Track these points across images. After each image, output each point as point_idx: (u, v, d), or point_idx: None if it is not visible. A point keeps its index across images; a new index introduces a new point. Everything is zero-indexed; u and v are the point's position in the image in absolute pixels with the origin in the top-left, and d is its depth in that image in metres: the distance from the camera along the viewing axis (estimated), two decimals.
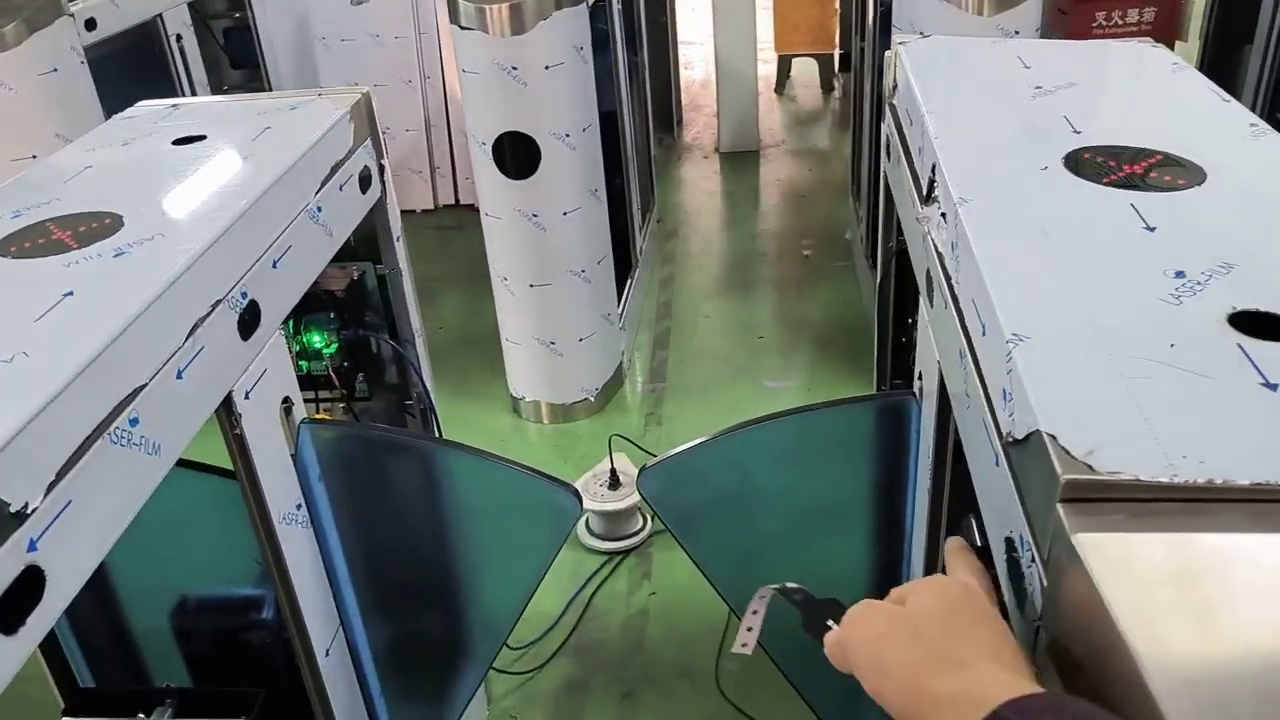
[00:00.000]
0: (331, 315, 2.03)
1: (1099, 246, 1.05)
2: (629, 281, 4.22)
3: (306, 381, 2.08)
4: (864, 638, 0.81)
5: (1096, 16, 4.26)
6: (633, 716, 2.57)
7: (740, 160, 6.24)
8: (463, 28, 3.11)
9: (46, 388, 0.98)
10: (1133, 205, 1.13)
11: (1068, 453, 0.75)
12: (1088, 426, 0.77)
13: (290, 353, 2.03)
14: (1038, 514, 0.78)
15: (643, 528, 3.08)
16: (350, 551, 1.65)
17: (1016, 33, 3.01)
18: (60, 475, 0.98)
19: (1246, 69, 3.61)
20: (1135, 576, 0.67)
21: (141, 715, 1.57)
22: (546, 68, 3.15)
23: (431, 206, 5.68)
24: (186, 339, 1.22)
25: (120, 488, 1.08)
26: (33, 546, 0.94)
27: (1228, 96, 1.46)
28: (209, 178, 1.52)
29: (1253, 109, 2.16)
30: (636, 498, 3.00)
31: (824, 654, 0.86)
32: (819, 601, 0.93)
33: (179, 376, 1.20)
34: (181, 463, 1.61)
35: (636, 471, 2.75)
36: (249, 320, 1.37)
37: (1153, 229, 1.08)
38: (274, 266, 1.46)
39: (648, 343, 4.26)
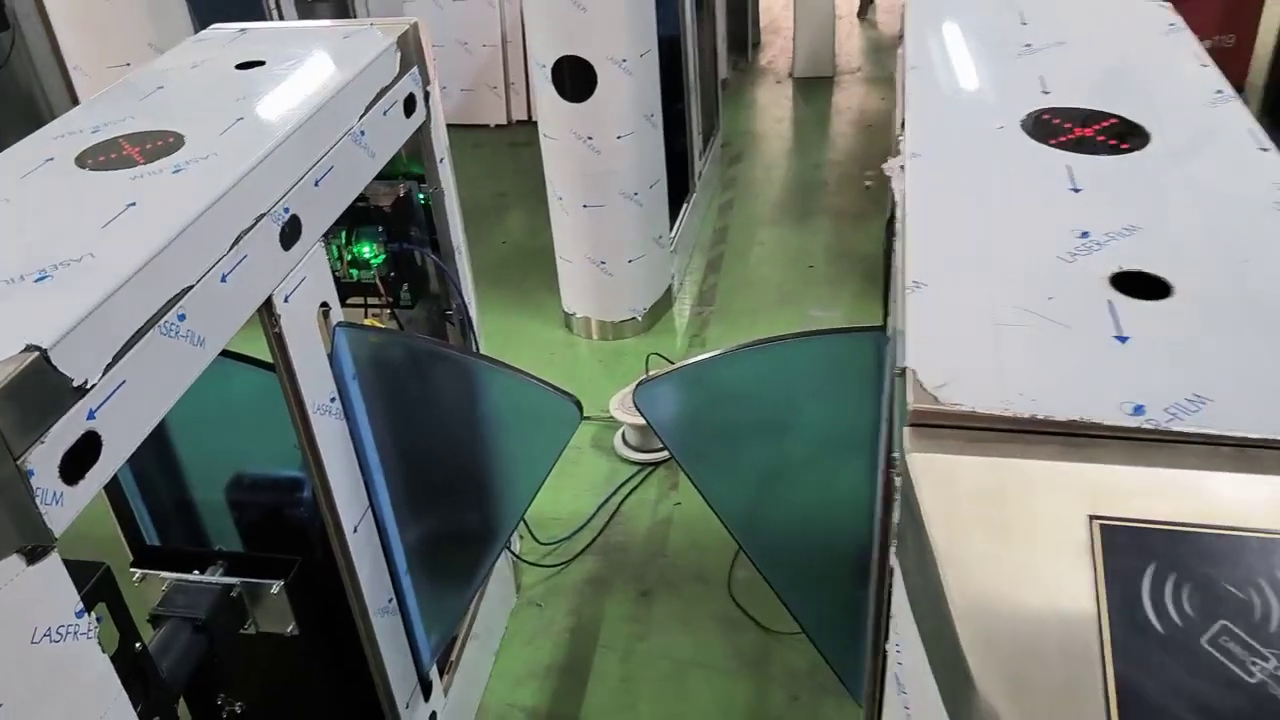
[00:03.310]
0: (380, 229, 2.21)
1: (1021, 206, 1.16)
2: (685, 205, 4.33)
3: (356, 288, 2.28)
4: None
5: None
6: (648, 612, 2.77)
7: (814, 86, 6.23)
8: None
9: (106, 285, 1.17)
10: (1068, 167, 1.23)
11: (922, 385, 0.89)
12: (945, 364, 0.91)
13: (342, 261, 2.24)
14: (898, 436, 0.92)
15: None
16: (380, 442, 1.85)
17: None
18: (116, 359, 1.18)
19: None
20: (951, 491, 0.82)
21: (196, 571, 1.81)
22: None
23: (505, 121, 5.83)
24: (231, 248, 1.40)
25: (168, 372, 1.27)
26: (91, 415, 1.14)
27: (1207, 61, 1.53)
28: (263, 101, 1.69)
29: None
30: None
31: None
32: None
33: (223, 280, 1.38)
34: (240, 357, 1.84)
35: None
36: (290, 233, 1.55)
37: (1078, 190, 1.18)
38: (315, 185, 1.63)
39: (700, 266, 4.38)
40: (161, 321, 1.25)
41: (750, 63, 6.58)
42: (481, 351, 2.38)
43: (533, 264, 4.33)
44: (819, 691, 2.48)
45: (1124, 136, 1.30)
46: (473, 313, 2.36)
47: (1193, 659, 0.71)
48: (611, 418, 3.29)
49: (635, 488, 3.17)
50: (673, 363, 3.56)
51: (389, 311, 2.32)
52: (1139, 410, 0.85)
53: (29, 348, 1.07)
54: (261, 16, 4.26)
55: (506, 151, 5.60)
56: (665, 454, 3.24)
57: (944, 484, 0.82)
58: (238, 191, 1.42)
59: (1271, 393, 0.86)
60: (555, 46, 3.34)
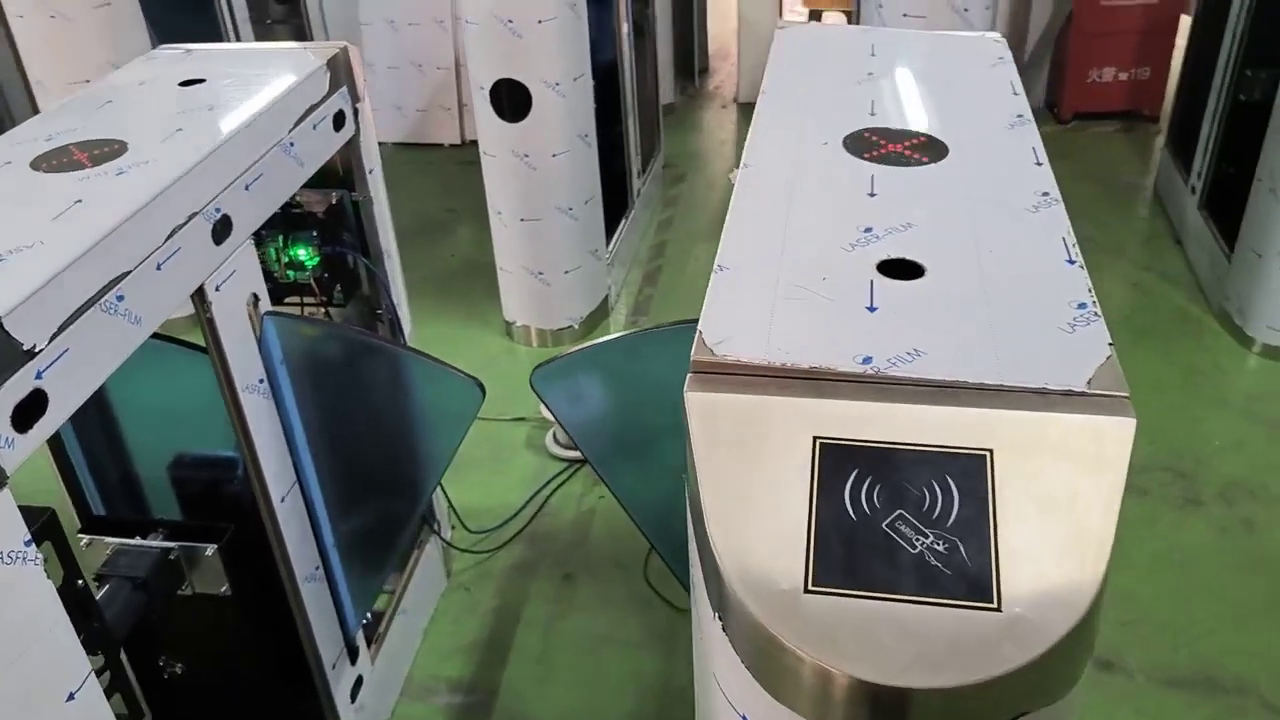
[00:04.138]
0: (314, 233, 2.42)
1: (824, 207, 1.40)
2: (624, 221, 4.57)
3: (293, 288, 2.49)
4: None
5: None
6: (571, 594, 2.99)
7: None
8: None
9: (52, 266, 1.38)
10: (872, 176, 1.47)
11: (704, 342, 1.12)
12: (727, 327, 1.14)
13: (280, 263, 2.45)
14: None
15: None
16: (306, 420, 2.06)
17: (966, 9, 3.27)
18: (61, 329, 1.38)
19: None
20: (713, 422, 1.04)
21: (138, 537, 2.01)
22: (539, 21, 3.48)
23: (459, 141, 6.05)
24: (166, 240, 1.61)
25: (107, 343, 1.48)
26: (39, 376, 1.34)
27: (1020, 90, 1.78)
28: (200, 114, 1.91)
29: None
30: None
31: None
32: None
33: (158, 268, 1.59)
34: (187, 344, 2.04)
35: None
36: (221, 230, 1.77)
37: (874, 195, 1.42)
38: (246, 189, 1.85)
39: (637, 279, 4.62)
40: (102, 300, 1.46)
41: (698, 88, 6.86)
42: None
43: (478, 276, 4.55)
44: None
45: (926, 151, 1.54)
46: (402, 312, 2.57)
47: (874, 536, 0.94)
48: (544, 419, 3.50)
49: (563, 482, 3.38)
50: None
51: (324, 310, 2.53)
52: (867, 360, 1.08)
53: None
54: (219, 38, 4.47)
55: (458, 170, 5.82)
56: None
57: (708, 416, 1.05)
58: (172, 191, 1.63)
59: (969, 347, 1.09)
60: (493, 70, 3.57)
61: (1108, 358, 1.07)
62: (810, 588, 0.91)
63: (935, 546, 0.92)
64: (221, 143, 1.78)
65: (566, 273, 3.97)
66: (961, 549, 0.92)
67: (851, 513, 0.95)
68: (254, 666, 2.19)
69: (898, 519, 0.95)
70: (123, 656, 2.09)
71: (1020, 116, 1.67)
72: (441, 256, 4.91)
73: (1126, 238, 4.81)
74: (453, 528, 3.10)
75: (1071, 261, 1.26)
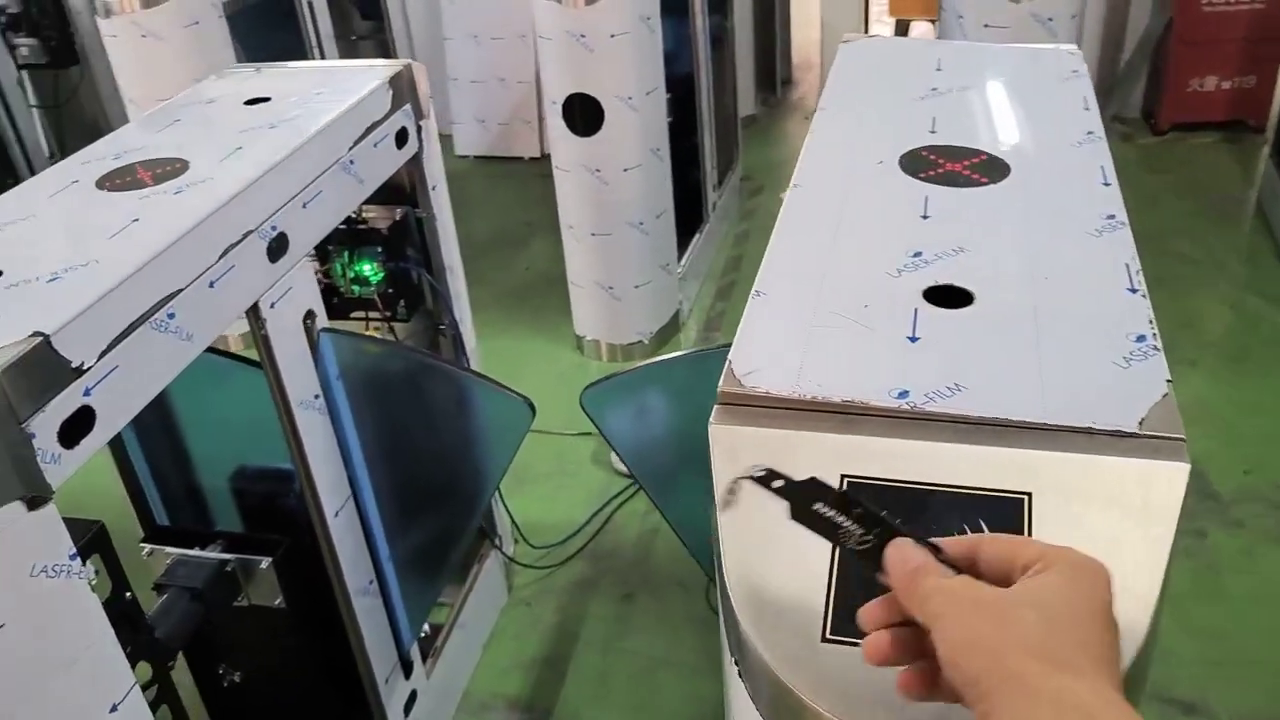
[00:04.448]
0: (379, 249, 2.44)
1: (872, 230, 1.34)
2: (697, 236, 4.54)
3: (358, 303, 2.51)
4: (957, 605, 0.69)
5: None
6: (631, 613, 2.96)
7: None
8: None
9: (104, 285, 1.41)
10: (927, 197, 1.41)
11: (733, 372, 1.08)
12: (758, 357, 1.10)
13: (345, 278, 2.48)
14: None
15: None
16: (364, 436, 2.07)
17: (1050, 19, 3.17)
18: (110, 346, 1.41)
19: None
20: (735, 455, 1.00)
21: (197, 548, 2.04)
22: (612, 36, 3.48)
23: (538, 154, 6.09)
24: (219, 259, 1.63)
25: (157, 360, 1.50)
26: (87, 393, 1.37)
27: (1093, 105, 1.70)
28: (261, 133, 1.93)
29: None
30: None
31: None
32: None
33: (211, 285, 1.62)
34: (250, 361, 2.07)
35: None
36: (276, 248, 1.78)
37: (927, 217, 1.36)
38: (304, 207, 1.86)
39: (711, 293, 4.58)
40: (153, 318, 1.48)
41: (779, 99, 6.79)
42: (476, 364, 2.60)
43: (552, 289, 4.55)
44: None
45: (986, 170, 1.48)
46: (464, 328, 2.58)
47: None
48: None
49: (627, 499, 3.36)
50: None
51: (387, 326, 2.55)
52: (903, 395, 1.03)
53: (35, 334, 1.30)
54: (304, 54, 4.57)
55: (537, 183, 5.83)
56: None
57: (732, 450, 1.01)
58: (227, 210, 1.65)
59: (1014, 381, 1.03)
60: (565, 84, 3.58)
61: (1164, 396, 1.00)
62: (828, 637, 0.87)
63: None
64: (279, 161, 1.80)
65: (637, 287, 3.95)
66: None
67: None
68: (307, 678, 2.21)
69: None
70: (183, 664, 2.14)
71: (1090, 133, 1.59)
72: (517, 269, 4.94)
73: (1227, 256, 4.60)
74: (515, 542, 3.10)
75: (1134, 290, 1.19)
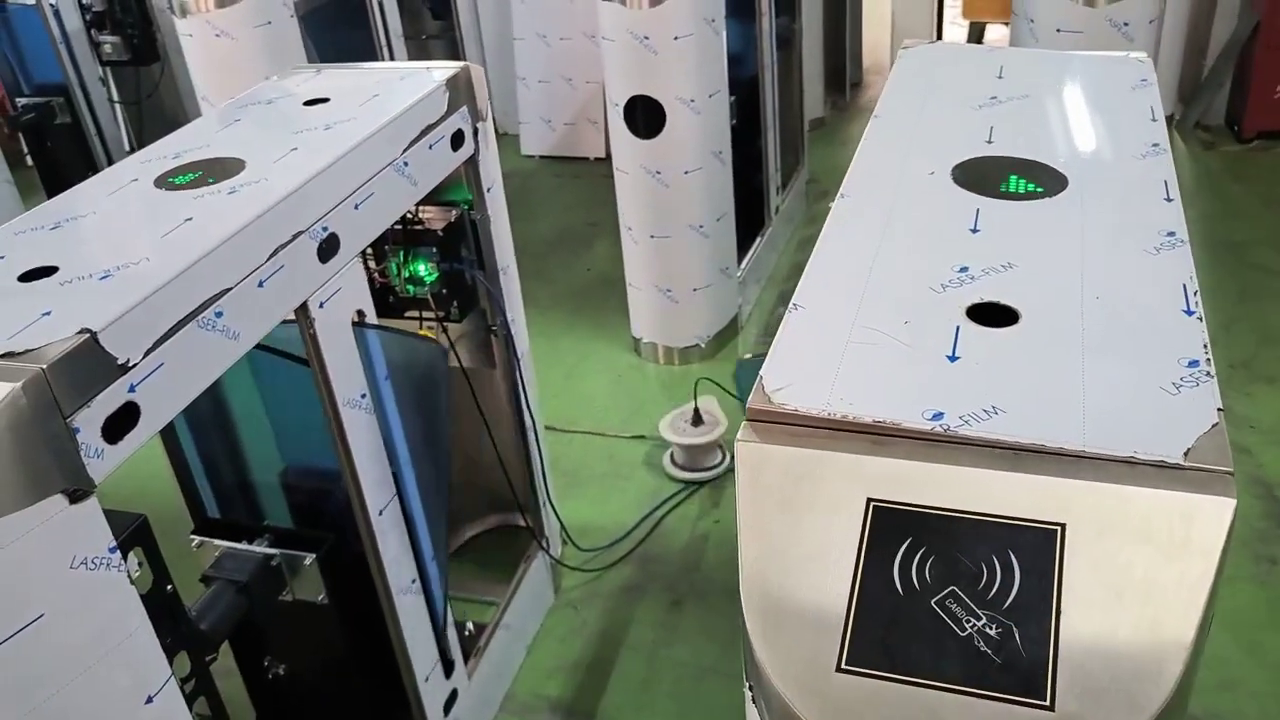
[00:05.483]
0: (434, 249, 2.46)
1: (919, 243, 1.31)
2: (759, 239, 4.49)
3: (413, 303, 2.53)
4: None
5: None
6: (677, 620, 2.93)
7: None
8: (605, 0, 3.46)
9: (153, 283, 1.43)
10: (978, 210, 1.37)
11: (763, 388, 1.05)
12: (791, 373, 1.07)
13: (400, 278, 2.50)
14: None
15: (720, 463, 3.41)
16: (411, 437, 2.08)
17: (1126, 24, 3.07)
18: (157, 344, 1.43)
19: None
20: (760, 474, 0.98)
21: (245, 542, 2.07)
22: (676, 38, 3.46)
23: (604, 155, 6.09)
24: (269, 258, 1.65)
25: (203, 358, 1.52)
26: (132, 389, 1.39)
27: (1160, 115, 1.63)
28: (316, 134, 1.95)
29: None
30: (715, 435, 3.33)
31: None
32: None
33: (260, 285, 1.63)
34: (304, 360, 2.10)
35: (720, 412, 3.07)
36: (327, 248, 1.80)
37: (977, 230, 1.32)
38: (356, 208, 1.88)
39: (771, 298, 4.53)
40: (200, 316, 1.51)
41: (848, 102, 6.70)
42: (531, 366, 2.62)
43: (612, 291, 4.55)
44: None
45: (1041, 182, 1.43)
46: (516, 328, 2.58)
47: (921, 614, 0.86)
48: (663, 438, 3.47)
49: (678, 504, 3.34)
50: (726, 389, 3.71)
51: (441, 326, 2.56)
52: (937, 417, 0.99)
53: (82, 330, 1.33)
54: (374, 54, 4.63)
55: (602, 183, 5.83)
56: (710, 474, 3.40)
57: (757, 469, 0.98)
58: (279, 210, 1.67)
59: (1055, 406, 0.99)
60: (628, 86, 3.57)
61: (1214, 425, 0.95)
62: (843, 666, 0.84)
63: (987, 630, 0.83)
64: (332, 162, 1.81)
65: (695, 290, 3.93)
66: (1016, 635, 0.83)
67: (899, 585, 0.87)
68: (350, 674, 2.23)
69: (949, 596, 0.86)
70: (229, 656, 2.18)
71: (1155, 146, 1.53)
72: (578, 271, 4.94)
73: None
74: (563, 543, 3.10)
75: (1190, 312, 1.13)
